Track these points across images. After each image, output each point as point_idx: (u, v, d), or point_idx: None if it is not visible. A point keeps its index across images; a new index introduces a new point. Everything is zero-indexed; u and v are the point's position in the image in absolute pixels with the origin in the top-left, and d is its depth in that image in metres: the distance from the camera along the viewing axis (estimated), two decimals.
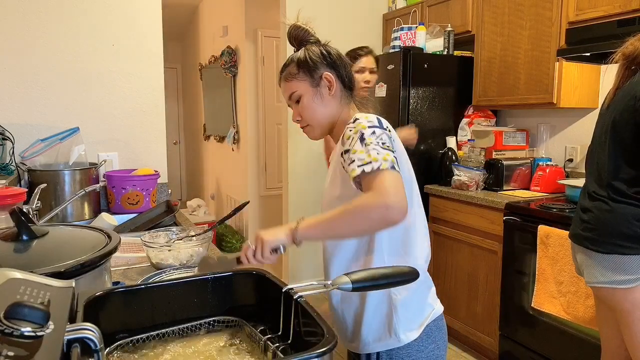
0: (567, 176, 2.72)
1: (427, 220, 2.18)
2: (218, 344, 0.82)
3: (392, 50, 3.11)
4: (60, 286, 0.63)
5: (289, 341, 0.78)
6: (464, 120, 3.07)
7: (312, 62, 1.19)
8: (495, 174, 2.73)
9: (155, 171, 2.22)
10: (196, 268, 1.32)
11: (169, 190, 2.42)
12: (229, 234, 4.84)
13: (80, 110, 2.24)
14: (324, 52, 1.20)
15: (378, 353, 1.13)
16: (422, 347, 1.13)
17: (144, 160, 2.38)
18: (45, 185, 1.77)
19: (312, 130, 1.22)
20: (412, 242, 1.13)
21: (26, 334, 0.47)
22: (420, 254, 1.15)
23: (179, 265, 1.34)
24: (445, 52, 3.03)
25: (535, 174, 2.73)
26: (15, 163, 2.05)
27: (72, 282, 0.66)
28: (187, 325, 0.84)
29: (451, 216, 2.76)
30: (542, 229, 2.15)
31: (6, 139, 2.04)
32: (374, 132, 1.04)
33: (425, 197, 2.91)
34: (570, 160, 2.77)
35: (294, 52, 1.26)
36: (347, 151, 1.05)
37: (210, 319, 0.86)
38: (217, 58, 5.15)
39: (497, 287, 2.48)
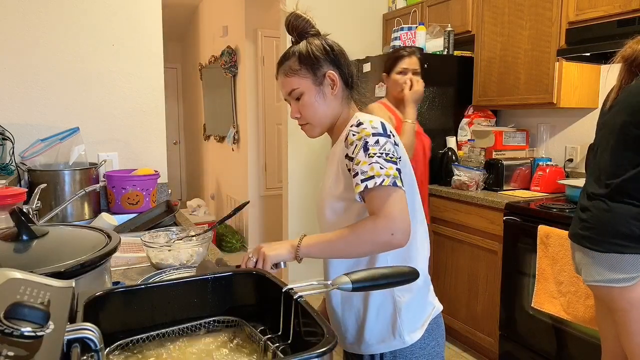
0: (567, 176, 2.72)
1: (428, 221, 2.20)
2: (218, 344, 0.82)
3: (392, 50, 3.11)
4: (60, 286, 0.63)
5: (289, 341, 0.78)
6: (464, 120, 3.07)
7: (315, 57, 1.15)
8: (495, 174, 2.73)
9: (155, 171, 2.22)
10: (195, 270, 1.33)
11: (169, 190, 2.42)
12: (229, 234, 4.84)
13: (80, 110, 2.24)
14: (327, 46, 1.16)
15: (382, 354, 1.13)
16: (424, 345, 1.14)
17: (144, 160, 2.38)
18: (45, 185, 1.77)
19: (311, 128, 1.19)
20: (415, 246, 1.14)
21: (26, 334, 0.47)
22: (422, 257, 1.16)
23: (179, 265, 1.34)
24: (445, 52, 3.03)
25: (535, 174, 2.73)
26: (15, 163, 2.05)
27: (72, 282, 0.66)
28: (187, 325, 0.84)
29: (451, 216, 2.76)
30: (542, 229, 2.15)
31: (6, 139, 2.04)
32: (377, 141, 1.03)
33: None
34: (570, 160, 2.77)
35: (292, 43, 1.21)
36: (351, 159, 1.05)
37: (210, 319, 0.86)
38: (217, 58, 5.15)
39: (497, 287, 2.48)
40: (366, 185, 0.99)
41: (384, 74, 2.29)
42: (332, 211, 1.14)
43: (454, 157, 2.94)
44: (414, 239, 1.14)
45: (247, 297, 0.90)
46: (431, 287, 1.21)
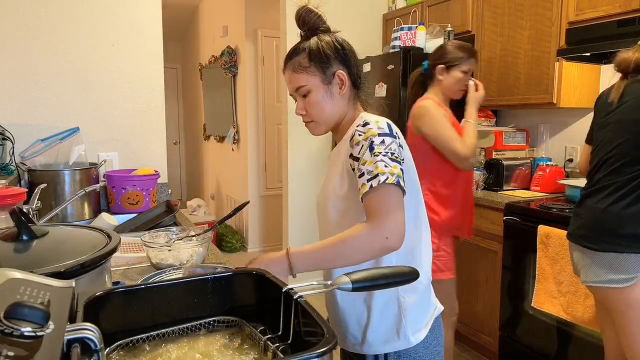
0: (567, 176, 2.72)
1: (469, 235, 2.20)
2: (218, 344, 0.82)
3: (392, 50, 3.11)
4: (60, 286, 0.63)
5: (289, 341, 0.78)
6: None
7: (326, 55, 1.12)
8: (495, 174, 2.73)
9: (155, 171, 2.22)
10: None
11: (169, 190, 2.42)
12: (229, 234, 4.84)
13: (80, 110, 2.24)
14: (338, 44, 1.14)
15: (386, 354, 1.13)
16: (427, 345, 1.14)
17: (144, 160, 2.38)
18: (45, 185, 1.77)
19: (316, 126, 1.18)
20: (419, 249, 1.15)
21: (26, 334, 0.47)
22: (426, 259, 1.17)
23: (179, 265, 1.34)
24: None
25: (535, 174, 2.73)
26: (15, 163, 2.05)
27: (72, 282, 0.66)
28: (187, 325, 0.84)
29: None
30: (542, 229, 2.15)
31: (6, 139, 2.04)
32: (383, 141, 1.03)
33: None
34: (570, 160, 2.77)
35: (301, 37, 1.18)
36: (357, 159, 1.04)
37: (210, 319, 0.86)
38: (217, 58, 5.15)
39: (497, 287, 2.48)
40: (371, 185, 0.98)
41: (442, 66, 2.11)
42: (336, 210, 1.14)
43: None
44: (419, 242, 1.14)
45: (247, 297, 0.90)
46: (432, 288, 1.21)
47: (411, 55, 2.88)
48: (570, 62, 2.47)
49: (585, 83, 2.55)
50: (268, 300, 0.85)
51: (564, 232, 2.03)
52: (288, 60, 1.17)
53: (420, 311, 1.15)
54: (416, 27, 3.09)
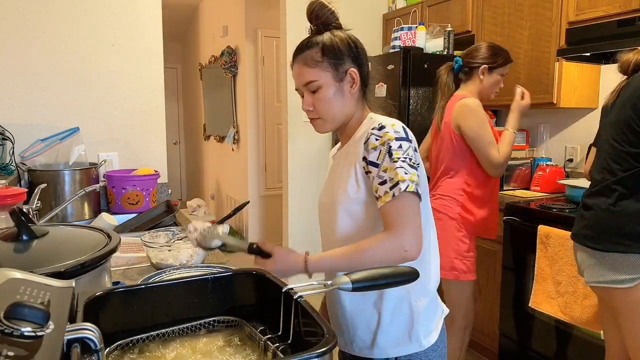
0: (567, 176, 2.72)
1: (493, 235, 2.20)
2: (218, 344, 0.82)
3: (392, 50, 3.11)
4: (60, 286, 0.63)
5: (289, 341, 0.78)
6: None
7: (339, 52, 1.09)
8: None
9: (155, 171, 2.22)
10: (195, 270, 1.33)
11: (169, 190, 2.42)
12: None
13: (80, 110, 2.24)
14: (351, 42, 1.11)
15: (397, 358, 1.12)
16: (435, 347, 1.14)
17: (144, 160, 2.38)
18: (45, 185, 1.77)
19: (323, 124, 1.14)
20: (428, 252, 1.14)
21: (26, 334, 0.47)
22: (435, 260, 1.17)
23: (179, 265, 1.34)
24: (445, 52, 3.03)
25: (535, 174, 2.73)
26: (15, 163, 2.05)
27: (72, 282, 0.66)
28: (187, 325, 0.84)
29: None
30: (542, 229, 2.15)
31: (6, 139, 2.04)
32: (400, 146, 1.02)
33: None
34: (570, 160, 2.77)
35: (311, 31, 1.14)
36: (375, 165, 1.02)
37: (210, 319, 0.86)
38: (217, 58, 5.15)
39: (497, 287, 2.48)
40: (393, 194, 0.99)
41: (485, 66, 2.09)
42: (349, 216, 1.11)
43: None
44: (428, 245, 1.13)
45: (247, 297, 0.90)
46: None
47: (411, 55, 2.88)
48: (570, 62, 2.47)
49: (585, 83, 2.55)
50: (268, 300, 0.86)
51: (564, 232, 2.04)
52: (299, 53, 1.12)
53: (431, 314, 1.14)
54: (416, 27, 3.09)
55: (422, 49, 3.02)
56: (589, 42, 2.27)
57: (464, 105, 2.02)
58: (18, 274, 0.60)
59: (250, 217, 4.83)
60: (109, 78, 2.29)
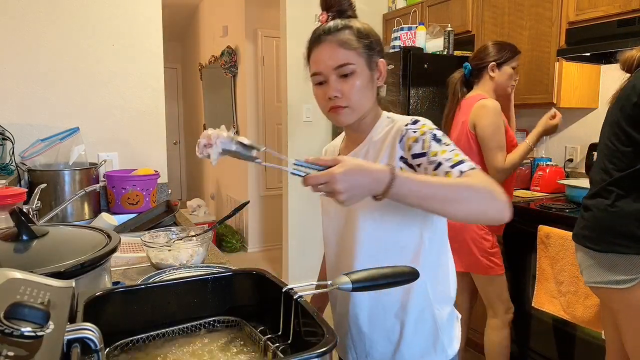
0: (567, 176, 2.72)
1: None
2: (218, 344, 0.82)
3: (392, 50, 3.11)
4: (60, 286, 0.63)
5: (289, 341, 0.78)
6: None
7: (372, 40, 1.04)
8: None
9: (155, 171, 2.22)
10: (195, 270, 1.32)
11: (169, 190, 2.42)
12: (229, 234, 4.84)
13: (80, 110, 2.24)
14: (375, 33, 1.07)
15: None
16: (456, 356, 1.11)
17: (144, 160, 2.38)
18: (45, 185, 1.77)
19: (349, 113, 1.04)
20: (447, 256, 1.11)
21: (26, 334, 0.47)
22: (453, 268, 1.13)
23: (179, 265, 1.34)
24: (445, 52, 3.03)
25: (535, 174, 2.73)
26: (15, 163, 2.05)
27: (72, 282, 0.66)
28: (187, 325, 0.84)
29: None
30: (542, 229, 2.15)
31: (6, 139, 2.04)
32: (443, 135, 0.98)
33: None
34: (570, 160, 2.77)
35: (328, 17, 1.07)
36: (421, 154, 0.96)
37: (210, 319, 0.86)
38: (217, 58, 5.15)
39: None
40: (460, 171, 0.90)
41: (493, 63, 2.12)
42: (372, 220, 1.04)
43: None
44: (447, 250, 1.11)
45: (247, 297, 0.90)
46: None
47: (411, 55, 2.88)
48: (570, 62, 2.47)
49: (585, 83, 2.56)
50: (268, 300, 0.85)
51: (564, 232, 2.04)
52: (329, 33, 1.03)
53: (452, 322, 1.11)
54: (416, 27, 3.09)
55: (422, 49, 3.02)
56: (589, 42, 2.27)
57: (483, 106, 2.05)
58: (18, 274, 0.60)
59: (250, 217, 4.83)
60: (109, 78, 2.29)
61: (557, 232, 2.08)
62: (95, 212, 2.05)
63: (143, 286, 0.84)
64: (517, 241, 2.34)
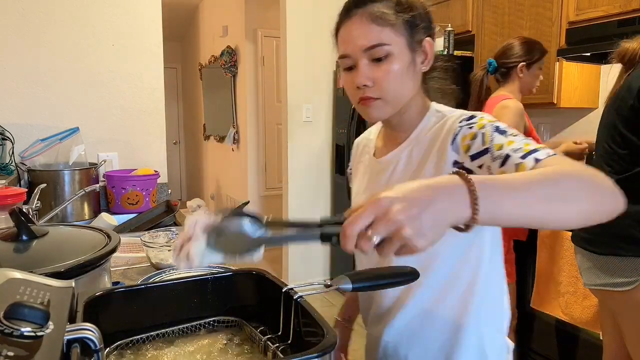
0: None
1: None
2: (218, 344, 0.82)
3: None
4: (60, 286, 0.63)
5: (289, 341, 0.78)
6: None
7: (419, 14, 0.85)
8: None
9: (155, 171, 2.22)
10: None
11: (169, 190, 2.42)
12: None
13: (80, 110, 2.24)
14: (422, 4, 0.87)
15: None
16: None
17: (144, 160, 2.38)
18: (45, 185, 1.77)
19: (381, 107, 0.85)
20: (504, 279, 0.93)
21: (26, 334, 0.47)
22: (505, 287, 0.96)
23: None
24: (445, 52, 3.03)
25: None
26: (15, 163, 2.05)
27: (72, 282, 0.65)
28: (187, 325, 0.84)
29: None
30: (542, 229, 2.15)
31: (6, 139, 2.04)
32: (507, 126, 0.78)
33: None
34: None
35: None
36: (483, 152, 0.76)
37: (210, 319, 0.86)
38: (217, 58, 5.15)
39: None
40: (535, 159, 0.69)
41: (523, 64, 2.06)
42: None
43: None
44: (503, 271, 0.93)
45: (247, 297, 0.90)
46: None
47: None
48: (570, 62, 2.47)
49: (585, 83, 2.55)
50: (268, 300, 0.85)
51: (564, 232, 2.04)
52: (360, 5, 0.83)
53: (505, 354, 0.95)
54: None
55: None
56: (589, 42, 2.27)
57: (505, 107, 2.02)
58: (18, 274, 0.60)
59: None
60: (109, 78, 2.29)
61: (557, 232, 2.08)
62: (95, 212, 2.05)
63: (143, 286, 0.84)
64: (517, 241, 2.34)
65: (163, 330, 0.82)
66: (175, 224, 1.87)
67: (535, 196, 0.59)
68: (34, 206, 1.59)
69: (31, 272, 0.63)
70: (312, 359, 0.60)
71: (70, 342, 0.53)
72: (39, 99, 2.16)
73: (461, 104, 0.94)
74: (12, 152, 2.05)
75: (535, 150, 0.70)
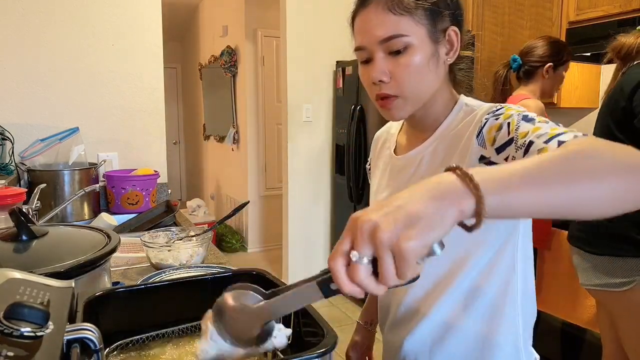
0: None
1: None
2: None
3: None
4: (60, 286, 0.63)
5: (289, 341, 0.78)
6: None
7: (441, 0, 0.77)
8: None
9: (155, 171, 2.22)
10: (196, 270, 1.32)
11: (169, 190, 2.42)
12: (228, 234, 4.84)
13: (80, 110, 2.24)
14: None
15: None
16: None
17: (144, 160, 2.38)
18: (45, 185, 1.77)
19: (401, 106, 0.79)
20: (532, 285, 0.87)
21: (26, 334, 0.47)
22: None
23: (178, 265, 1.34)
24: None
25: None
26: (15, 163, 2.05)
27: (72, 282, 0.65)
28: (187, 325, 0.84)
29: None
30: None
31: (6, 139, 2.04)
32: (537, 115, 0.70)
33: None
34: None
35: None
36: (508, 142, 0.69)
37: None
38: (217, 58, 5.15)
39: None
40: (559, 141, 0.60)
41: (550, 64, 1.99)
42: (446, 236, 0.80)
43: None
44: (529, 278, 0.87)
45: None
46: None
47: None
48: (571, 62, 2.47)
49: (585, 83, 2.55)
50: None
51: (564, 232, 2.04)
52: None
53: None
54: None
55: None
56: (589, 42, 2.27)
57: (526, 106, 1.96)
58: (18, 274, 0.60)
59: (250, 217, 4.83)
60: (109, 78, 2.29)
61: (558, 232, 2.08)
62: (95, 212, 2.05)
63: (143, 286, 0.84)
64: None
65: (163, 330, 0.82)
66: (175, 224, 1.87)
67: (551, 178, 0.49)
68: (33, 206, 1.59)
69: (31, 272, 0.63)
70: (312, 359, 0.60)
71: (70, 342, 0.53)
72: (39, 99, 2.16)
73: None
74: (12, 152, 2.05)
75: (561, 134, 0.62)
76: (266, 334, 0.59)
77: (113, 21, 2.26)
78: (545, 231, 2.10)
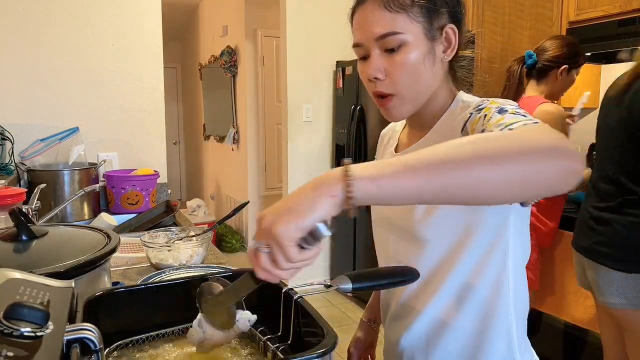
0: None
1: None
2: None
3: None
4: (59, 286, 0.63)
5: (289, 342, 0.78)
6: None
7: None
8: None
9: (155, 171, 2.22)
10: (196, 270, 1.32)
11: (169, 190, 2.42)
12: (228, 234, 4.84)
13: (80, 110, 2.24)
14: None
15: None
16: None
17: (144, 160, 2.38)
18: (44, 185, 1.77)
19: (400, 105, 0.79)
20: (525, 282, 0.87)
21: (26, 334, 0.47)
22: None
23: (178, 265, 1.34)
24: None
25: None
26: (15, 163, 2.05)
27: (72, 282, 0.65)
28: (187, 325, 0.84)
29: None
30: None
31: (6, 139, 2.04)
32: (516, 108, 0.69)
33: None
34: None
35: None
36: (481, 133, 0.69)
37: None
38: (217, 58, 5.15)
39: None
40: (509, 130, 0.61)
41: (565, 66, 1.96)
42: (431, 233, 0.81)
43: None
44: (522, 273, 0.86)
45: (246, 297, 0.89)
46: None
47: None
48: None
49: (586, 83, 2.55)
50: (268, 300, 0.85)
51: (565, 232, 2.04)
52: None
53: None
54: None
55: None
56: (589, 42, 2.27)
57: (548, 112, 1.90)
58: (17, 274, 0.60)
59: (250, 217, 4.83)
60: (109, 78, 2.29)
61: (559, 232, 2.08)
62: (95, 212, 2.05)
63: (143, 286, 0.84)
64: None
65: (163, 331, 0.82)
66: (175, 224, 1.87)
67: (443, 164, 0.50)
68: (33, 206, 1.59)
69: (31, 272, 0.63)
70: (312, 359, 0.60)
71: (70, 342, 0.53)
72: (39, 99, 2.16)
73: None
74: (12, 152, 2.05)
75: (515, 123, 0.61)
76: (232, 317, 0.71)
77: (113, 21, 2.26)
78: (551, 231, 2.09)
